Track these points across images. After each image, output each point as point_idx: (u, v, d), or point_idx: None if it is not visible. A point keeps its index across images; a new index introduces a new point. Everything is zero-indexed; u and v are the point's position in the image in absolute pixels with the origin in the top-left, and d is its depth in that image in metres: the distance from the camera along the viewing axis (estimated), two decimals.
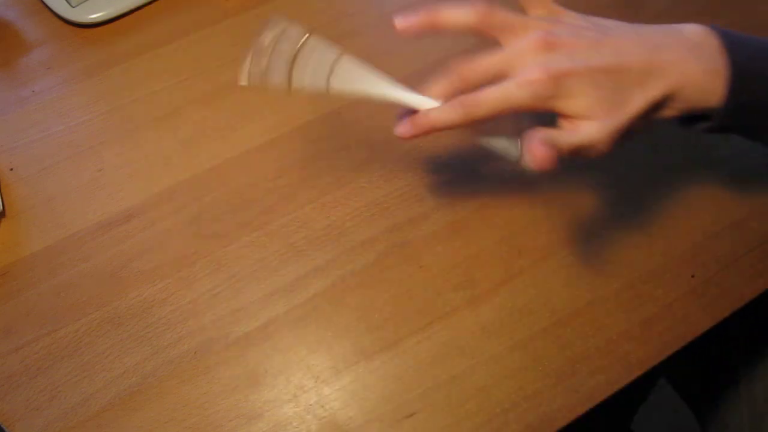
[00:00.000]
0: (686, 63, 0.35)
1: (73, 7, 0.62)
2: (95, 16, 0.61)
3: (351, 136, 0.53)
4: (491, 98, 0.35)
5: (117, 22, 0.62)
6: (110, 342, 0.44)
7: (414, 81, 0.55)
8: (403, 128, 0.38)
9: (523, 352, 0.42)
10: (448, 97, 0.37)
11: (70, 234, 0.49)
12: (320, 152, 0.52)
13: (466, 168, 0.50)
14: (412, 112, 0.38)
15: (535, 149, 0.33)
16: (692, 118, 0.38)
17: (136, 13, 0.63)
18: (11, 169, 0.53)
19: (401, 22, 0.38)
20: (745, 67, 0.35)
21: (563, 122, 0.37)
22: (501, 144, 0.37)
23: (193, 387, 0.42)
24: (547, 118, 0.36)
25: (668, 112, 0.37)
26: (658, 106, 0.36)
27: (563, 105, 0.35)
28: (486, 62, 0.36)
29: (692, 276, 0.45)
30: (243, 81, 0.40)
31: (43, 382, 0.43)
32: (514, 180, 0.49)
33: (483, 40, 0.38)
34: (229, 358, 0.43)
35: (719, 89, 0.35)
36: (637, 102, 0.35)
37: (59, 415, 0.41)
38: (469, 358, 0.42)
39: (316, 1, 0.63)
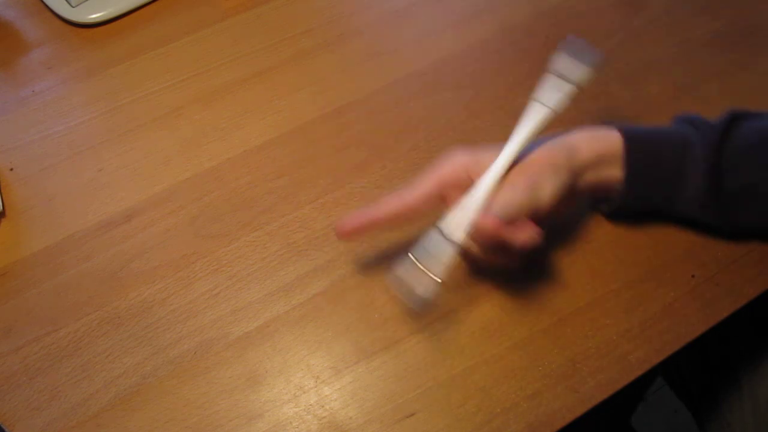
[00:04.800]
0: (591, 140, 0.42)
1: (73, 7, 0.62)
2: (95, 16, 0.61)
3: (351, 136, 0.53)
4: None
5: (117, 22, 0.62)
6: (110, 342, 0.44)
7: (413, 81, 0.56)
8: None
9: (523, 352, 0.42)
10: None
11: (70, 234, 0.49)
12: (320, 152, 0.52)
13: None
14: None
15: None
16: (606, 201, 0.45)
17: (136, 13, 0.63)
18: (11, 169, 0.53)
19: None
20: (635, 139, 0.42)
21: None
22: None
23: (193, 387, 0.42)
24: None
25: (585, 180, 0.42)
26: (575, 177, 0.41)
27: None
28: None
29: (692, 276, 0.45)
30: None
31: (43, 382, 0.43)
32: None
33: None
34: (229, 358, 0.43)
35: (619, 159, 0.41)
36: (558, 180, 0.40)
37: (59, 415, 0.41)
38: (469, 358, 0.42)
39: (316, 1, 0.63)
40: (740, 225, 0.43)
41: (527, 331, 0.43)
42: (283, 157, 0.52)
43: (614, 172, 0.42)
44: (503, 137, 0.52)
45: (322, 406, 0.41)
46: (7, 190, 0.52)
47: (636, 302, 0.44)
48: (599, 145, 0.41)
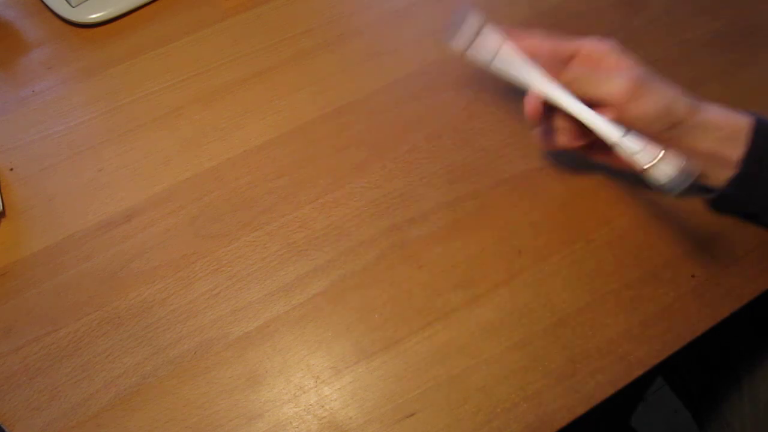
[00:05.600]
0: (722, 111, 0.41)
1: (73, 7, 0.62)
2: (95, 16, 0.61)
3: (351, 136, 0.53)
4: None
5: (117, 22, 0.62)
6: (110, 342, 0.44)
7: (413, 81, 0.56)
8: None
9: (523, 352, 0.42)
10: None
11: (70, 234, 0.49)
12: (320, 152, 0.52)
13: (466, 168, 0.50)
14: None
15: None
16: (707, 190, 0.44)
17: (136, 13, 0.63)
18: (11, 169, 0.53)
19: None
20: (765, 128, 0.40)
21: None
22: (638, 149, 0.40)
23: (193, 387, 0.42)
24: None
25: (699, 144, 0.41)
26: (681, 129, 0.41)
27: None
28: None
29: (692, 276, 0.45)
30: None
31: (43, 382, 0.43)
32: (513, 180, 0.49)
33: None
34: (229, 358, 0.43)
35: (741, 140, 0.40)
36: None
37: (59, 415, 0.41)
38: (469, 358, 0.42)
39: (316, 1, 0.63)
40: None
41: (527, 331, 0.43)
42: (283, 157, 0.52)
43: (732, 151, 0.41)
44: (504, 137, 0.52)
45: (322, 406, 0.41)
46: (7, 190, 0.52)
47: (636, 302, 0.44)
48: (728, 118, 0.41)
